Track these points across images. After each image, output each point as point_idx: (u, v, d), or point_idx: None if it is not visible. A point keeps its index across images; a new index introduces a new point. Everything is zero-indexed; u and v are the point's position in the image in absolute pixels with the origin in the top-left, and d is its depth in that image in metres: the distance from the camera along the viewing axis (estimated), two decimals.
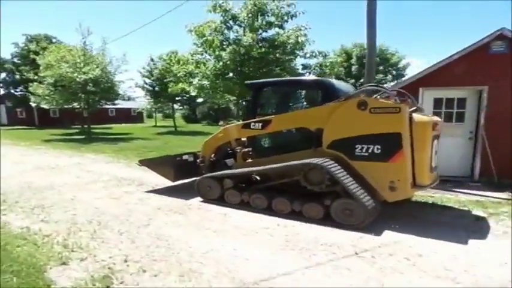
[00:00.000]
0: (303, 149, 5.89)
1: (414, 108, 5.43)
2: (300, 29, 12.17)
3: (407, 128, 4.99)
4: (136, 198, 6.74)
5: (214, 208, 6.05)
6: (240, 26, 12.58)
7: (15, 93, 32.73)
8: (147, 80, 27.56)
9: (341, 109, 5.43)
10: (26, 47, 30.70)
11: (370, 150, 5.17)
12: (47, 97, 19.57)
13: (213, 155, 7.29)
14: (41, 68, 19.62)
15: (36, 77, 21.89)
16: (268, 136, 6.59)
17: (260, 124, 6.31)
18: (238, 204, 6.09)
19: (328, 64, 13.19)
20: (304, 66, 13.61)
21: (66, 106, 21.77)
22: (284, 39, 12.07)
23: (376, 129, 5.10)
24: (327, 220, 5.15)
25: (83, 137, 21.21)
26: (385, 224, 5.04)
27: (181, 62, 13.45)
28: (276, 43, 12.13)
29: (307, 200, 5.41)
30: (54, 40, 31.61)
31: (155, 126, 37.02)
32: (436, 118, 5.76)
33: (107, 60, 19.72)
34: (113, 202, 6.44)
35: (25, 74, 28.93)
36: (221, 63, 12.01)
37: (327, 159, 5.29)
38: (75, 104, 20.86)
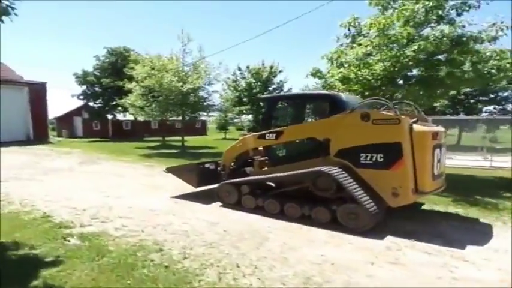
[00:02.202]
0: (312, 157, 6.35)
1: (415, 119, 5.78)
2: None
3: (407, 138, 5.40)
4: None
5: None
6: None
7: (94, 106, 33.19)
8: (228, 91, 26.34)
9: (346, 121, 5.92)
10: (107, 60, 31.01)
11: (373, 159, 5.59)
12: (146, 108, 18.81)
13: (232, 163, 7.95)
14: (138, 78, 18.79)
15: (124, 88, 21.26)
16: (281, 146, 7.11)
17: (274, 135, 6.90)
18: (253, 209, 6.70)
19: None
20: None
21: (159, 118, 21.16)
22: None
23: (379, 139, 5.54)
24: (333, 224, 5.68)
25: (177, 151, 20.41)
26: None
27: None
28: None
29: (315, 205, 5.94)
30: (131, 52, 31.67)
31: (224, 139, 36.30)
32: (437, 128, 6.08)
33: (210, 68, 18.62)
34: None
35: (111, 84, 29.11)
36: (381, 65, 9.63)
37: (334, 167, 5.73)
38: (169, 115, 19.89)
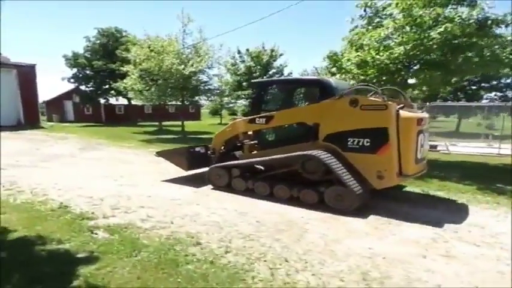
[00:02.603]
0: (301, 141, 6.50)
1: (402, 105, 5.94)
2: None
3: (394, 123, 5.55)
4: None
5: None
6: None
7: (86, 90, 32.17)
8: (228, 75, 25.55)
9: (335, 106, 6.05)
10: (99, 41, 29.93)
11: (360, 143, 5.78)
12: (145, 92, 18.03)
13: (222, 147, 8.06)
14: (136, 60, 18.00)
15: (117, 71, 20.36)
16: (271, 130, 7.21)
17: (264, 119, 6.99)
18: (243, 191, 6.85)
19: None
20: None
21: (158, 102, 20.37)
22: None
23: (366, 124, 5.69)
24: (320, 204, 5.91)
25: (177, 136, 19.88)
26: None
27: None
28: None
29: (304, 187, 6.14)
30: (124, 33, 30.66)
31: (220, 123, 35.79)
32: (422, 114, 6.27)
33: (212, 51, 17.91)
34: None
35: (103, 67, 28.21)
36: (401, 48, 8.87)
37: (323, 151, 5.93)
38: (168, 100, 19.16)
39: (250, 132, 7.58)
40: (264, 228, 5.03)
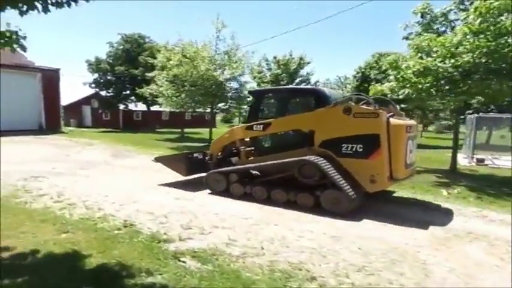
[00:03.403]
0: (297, 148, 6.71)
1: (392, 113, 6.24)
2: None
3: (385, 130, 5.86)
4: None
5: None
6: None
7: (105, 95, 31.81)
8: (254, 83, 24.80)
9: (329, 114, 6.34)
10: (122, 47, 29.64)
11: (354, 149, 6.07)
12: (175, 98, 17.34)
13: (219, 153, 8.23)
14: (163, 66, 17.41)
15: (139, 77, 19.78)
16: (268, 137, 7.48)
17: (261, 126, 7.22)
18: (241, 196, 7.01)
19: None
20: None
21: (190, 109, 19.71)
22: None
23: (359, 130, 5.98)
24: (316, 208, 6.11)
25: (205, 144, 19.18)
26: None
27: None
28: None
29: (300, 191, 6.33)
30: (147, 40, 30.40)
31: None
32: (411, 122, 6.67)
33: (247, 57, 17.31)
34: None
35: (125, 73, 27.85)
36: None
37: (318, 157, 6.15)
38: (197, 106, 18.47)
39: (247, 139, 7.80)
40: (373, 257, 4.27)
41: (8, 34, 3.94)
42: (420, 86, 9.65)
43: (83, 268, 3.66)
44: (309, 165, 6.16)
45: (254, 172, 7.38)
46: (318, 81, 25.02)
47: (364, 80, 25.28)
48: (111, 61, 30.05)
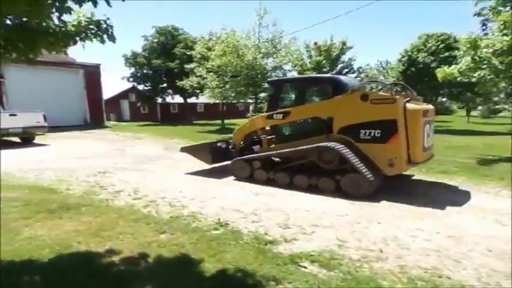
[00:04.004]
0: (317, 135, 6.90)
1: (409, 98, 6.40)
2: None
3: (402, 115, 6.02)
4: None
5: None
6: None
7: (143, 89, 32.12)
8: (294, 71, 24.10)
9: (347, 101, 6.52)
10: (156, 40, 29.68)
11: (372, 134, 6.25)
12: (217, 89, 17.10)
13: (242, 142, 8.44)
14: (204, 57, 17.14)
15: (175, 69, 19.36)
16: (288, 125, 7.64)
17: (281, 115, 7.41)
18: (265, 181, 7.27)
19: None
20: None
21: (235, 100, 19.50)
22: None
23: (376, 116, 6.17)
24: (337, 191, 6.37)
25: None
26: None
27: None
28: None
29: (321, 176, 6.56)
30: (180, 31, 30.31)
31: None
32: (428, 106, 6.75)
33: (293, 45, 16.76)
34: None
35: (162, 66, 27.89)
36: None
37: (338, 143, 6.38)
38: (240, 97, 18.14)
39: (267, 128, 8.02)
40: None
41: (95, 24, 3.63)
42: (500, 67, 8.84)
43: (203, 275, 3.36)
44: (329, 151, 6.39)
45: (276, 159, 7.68)
46: (360, 67, 23.89)
47: (411, 64, 24.04)
48: (146, 54, 30.20)
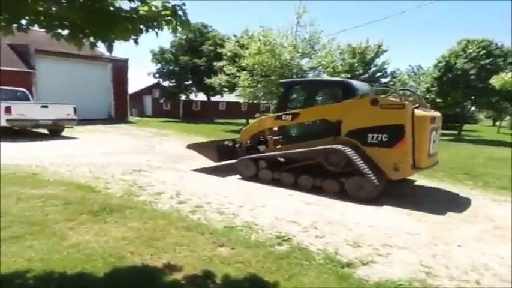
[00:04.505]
0: (324, 137, 6.93)
1: (417, 104, 6.53)
2: None
3: (409, 121, 6.08)
4: None
5: None
6: None
7: (167, 85, 32.01)
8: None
9: (357, 105, 6.57)
10: (185, 36, 29.49)
11: (379, 138, 6.31)
12: (249, 89, 16.68)
13: (248, 142, 8.47)
14: (236, 55, 16.74)
15: (201, 67, 19.04)
16: (295, 126, 7.64)
17: (290, 116, 7.49)
18: (270, 181, 7.29)
19: None
20: None
21: (265, 101, 19.05)
22: None
23: (385, 121, 6.23)
24: (341, 193, 6.38)
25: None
26: None
27: None
28: None
29: (326, 178, 6.62)
30: (209, 29, 30.04)
31: None
32: (435, 113, 6.85)
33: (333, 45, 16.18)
34: None
35: (189, 62, 27.67)
36: None
37: (344, 146, 6.45)
38: (270, 97, 17.65)
39: (275, 128, 8.06)
40: None
41: (171, 10, 3.17)
42: None
43: None
44: (336, 153, 6.47)
45: (281, 159, 7.82)
46: (394, 71, 23.02)
47: (448, 70, 23.02)
48: (174, 51, 30.03)
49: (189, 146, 9.32)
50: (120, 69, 24.54)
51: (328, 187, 6.57)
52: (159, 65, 31.11)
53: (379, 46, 21.06)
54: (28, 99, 14.92)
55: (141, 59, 75.40)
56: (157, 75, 31.63)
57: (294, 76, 15.30)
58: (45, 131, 14.60)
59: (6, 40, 21.42)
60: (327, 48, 15.82)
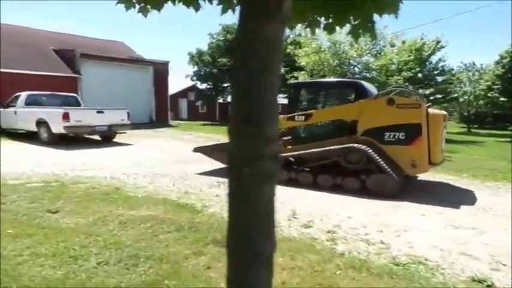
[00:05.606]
0: (337, 136, 7.14)
1: (429, 104, 7.05)
2: None
3: (425, 120, 6.39)
4: None
5: None
6: None
7: (204, 88, 31.46)
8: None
9: (373, 105, 6.82)
10: (223, 38, 28.82)
11: (396, 137, 6.54)
12: None
13: None
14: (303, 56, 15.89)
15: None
16: (307, 127, 7.94)
17: (303, 117, 7.66)
18: (286, 181, 6.98)
19: None
20: None
21: None
22: None
23: (402, 120, 6.48)
24: (362, 191, 6.52)
25: None
26: None
27: None
28: None
29: (346, 176, 6.74)
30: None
31: None
32: (444, 112, 7.62)
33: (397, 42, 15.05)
34: None
35: (228, 64, 26.95)
36: None
37: (362, 145, 6.60)
38: None
39: (285, 129, 7.93)
40: None
41: None
42: None
43: None
44: (356, 152, 6.62)
45: (293, 159, 7.73)
46: (452, 69, 21.46)
47: None
48: (211, 52, 29.41)
49: (196, 150, 8.93)
50: (161, 72, 24.07)
51: (349, 185, 6.68)
52: (195, 68, 30.56)
53: (438, 42, 19.53)
54: (79, 105, 14.50)
55: (176, 61, 74.96)
56: (194, 77, 31.10)
57: (358, 75, 14.25)
58: (96, 137, 14.12)
59: (51, 45, 21.36)
60: (395, 46, 14.60)
